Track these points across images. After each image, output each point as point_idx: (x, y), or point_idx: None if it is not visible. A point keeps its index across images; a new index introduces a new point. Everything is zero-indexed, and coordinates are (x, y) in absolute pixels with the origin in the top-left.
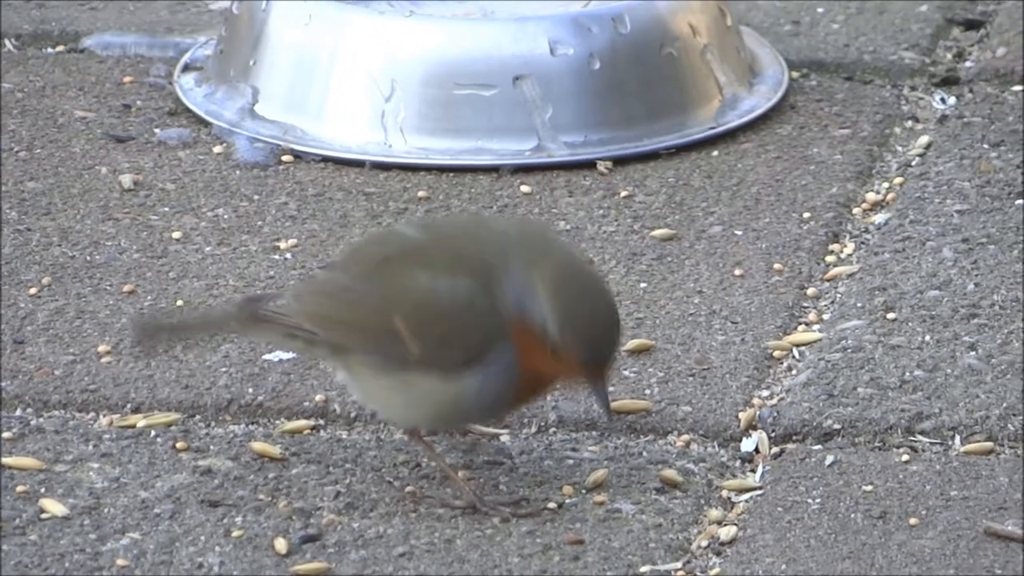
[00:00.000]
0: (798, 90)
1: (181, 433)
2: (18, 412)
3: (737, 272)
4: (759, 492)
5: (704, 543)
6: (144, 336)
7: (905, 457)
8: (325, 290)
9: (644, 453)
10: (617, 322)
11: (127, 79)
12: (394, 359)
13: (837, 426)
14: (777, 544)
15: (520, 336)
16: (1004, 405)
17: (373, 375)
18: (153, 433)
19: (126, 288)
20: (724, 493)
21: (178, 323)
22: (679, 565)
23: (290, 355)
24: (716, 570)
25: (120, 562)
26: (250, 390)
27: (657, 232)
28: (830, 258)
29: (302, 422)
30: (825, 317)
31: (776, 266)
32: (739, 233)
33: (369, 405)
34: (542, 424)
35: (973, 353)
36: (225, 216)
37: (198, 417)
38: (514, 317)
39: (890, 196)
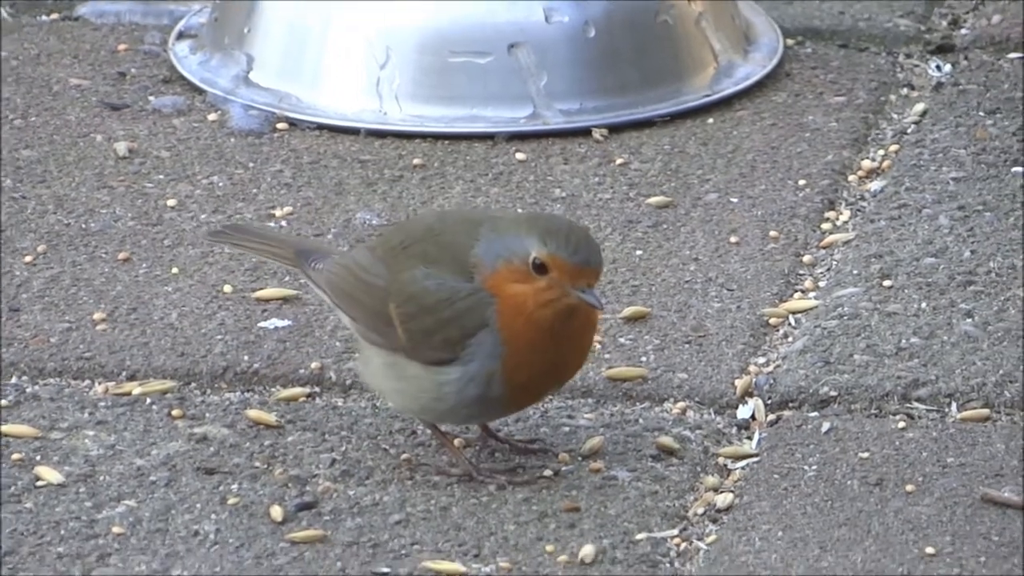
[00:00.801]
0: (793, 57)
1: (177, 401)
2: (13, 380)
3: (733, 239)
4: (755, 459)
5: (700, 510)
6: (218, 234)
7: (901, 424)
8: (348, 264)
9: (640, 420)
10: (590, 236)
11: (122, 47)
12: (390, 342)
13: (833, 393)
14: (773, 511)
15: (502, 283)
16: (1000, 372)
17: (375, 354)
18: (149, 401)
19: (121, 256)
20: (720, 460)
21: (251, 232)
22: (675, 532)
23: (286, 322)
24: (712, 537)
25: (116, 529)
26: (246, 357)
27: (653, 199)
28: (826, 225)
29: (298, 389)
30: (821, 284)
31: (772, 233)
32: (735, 200)
33: (371, 387)
34: None
35: (969, 320)
36: (220, 184)
37: (194, 385)
38: (491, 271)
39: (886, 163)
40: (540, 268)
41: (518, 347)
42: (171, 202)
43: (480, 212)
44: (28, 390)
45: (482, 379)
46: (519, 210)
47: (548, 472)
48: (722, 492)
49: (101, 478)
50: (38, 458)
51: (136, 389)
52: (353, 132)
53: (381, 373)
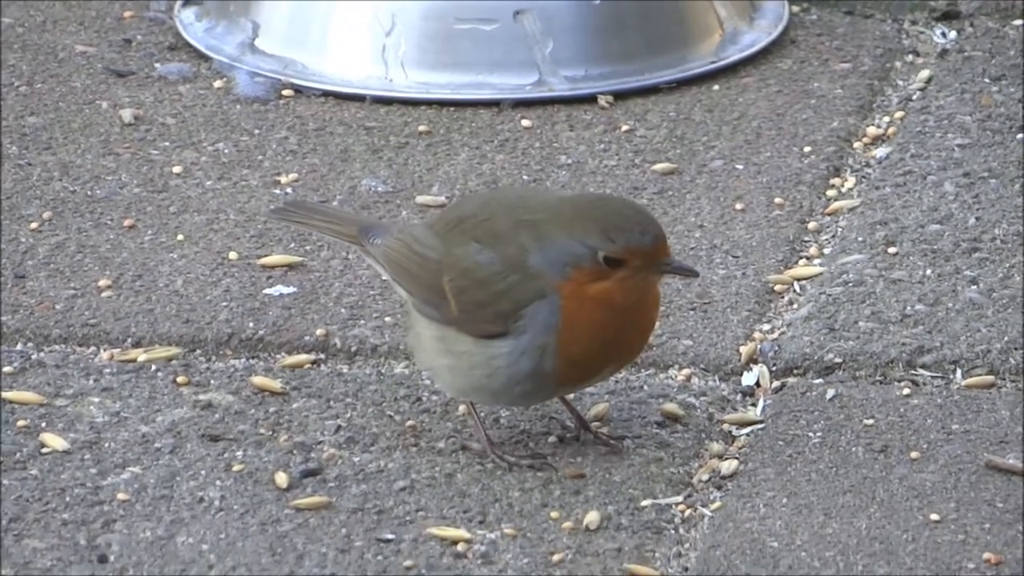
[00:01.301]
0: (799, 24)
1: (182, 367)
2: (19, 346)
3: (738, 206)
4: (760, 426)
5: (705, 477)
6: (280, 211)
7: (906, 391)
8: (406, 239)
9: (645, 387)
10: (642, 208)
11: (127, 14)
12: (444, 316)
13: (838, 360)
14: (778, 478)
15: (580, 287)
16: (1005, 339)
17: (427, 327)
18: (154, 367)
19: (127, 222)
20: (725, 427)
21: (313, 210)
22: (680, 499)
23: (291, 289)
24: (717, 504)
25: (121, 496)
26: (251, 324)
27: (658, 166)
28: (831, 192)
29: (303, 356)
30: (826, 251)
31: (777, 200)
32: (740, 167)
33: (423, 366)
34: None
35: (974, 287)
36: (225, 151)
37: (199, 351)
38: (562, 279)
39: (891, 130)
40: (614, 263)
41: (575, 320)
42: (176, 169)
43: (522, 200)
44: (33, 357)
45: (534, 352)
46: (531, 182)
47: (553, 438)
48: (727, 459)
49: (106, 445)
50: (43, 425)
51: (141, 356)
52: (359, 99)
53: (433, 348)
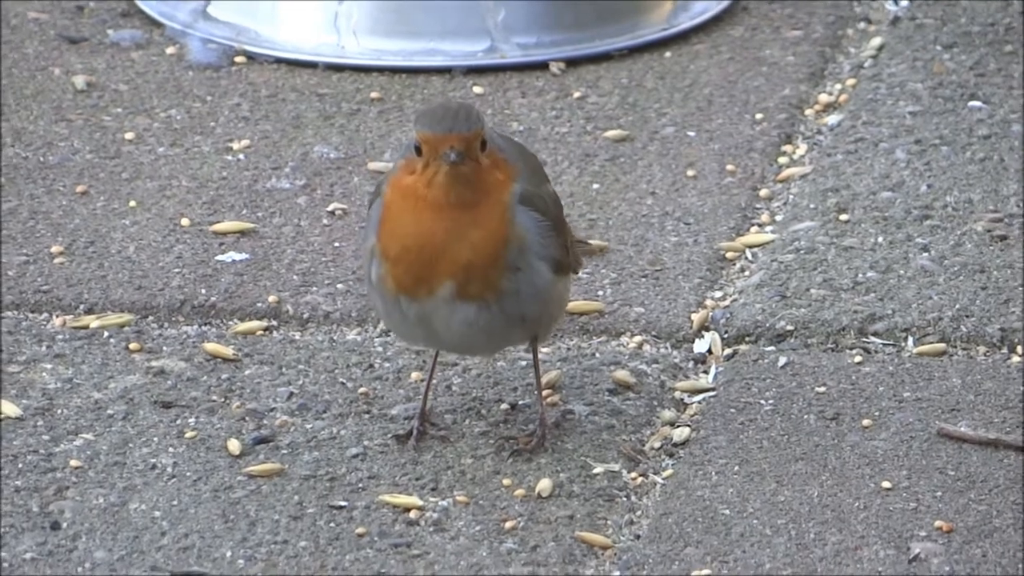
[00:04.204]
0: None
1: (134, 334)
2: None
3: (690, 173)
4: (712, 393)
5: (657, 444)
6: None
7: (858, 358)
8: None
9: (597, 355)
10: (467, 106)
11: None
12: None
13: (790, 327)
14: (730, 445)
15: (394, 181)
16: (957, 307)
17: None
18: (106, 334)
19: (79, 189)
20: (677, 394)
21: None
22: (632, 467)
23: (243, 256)
24: (669, 471)
25: (73, 463)
26: (203, 291)
27: (610, 133)
28: (783, 159)
29: (255, 323)
30: (778, 218)
31: (729, 167)
32: (692, 134)
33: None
34: None
35: (926, 254)
36: (178, 117)
37: (151, 318)
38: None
39: (843, 98)
40: (417, 150)
41: (390, 213)
42: (129, 135)
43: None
44: None
45: (369, 255)
46: None
47: (505, 405)
48: (679, 426)
49: (59, 411)
50: None
51: (94, 322)
52: (311, 66)
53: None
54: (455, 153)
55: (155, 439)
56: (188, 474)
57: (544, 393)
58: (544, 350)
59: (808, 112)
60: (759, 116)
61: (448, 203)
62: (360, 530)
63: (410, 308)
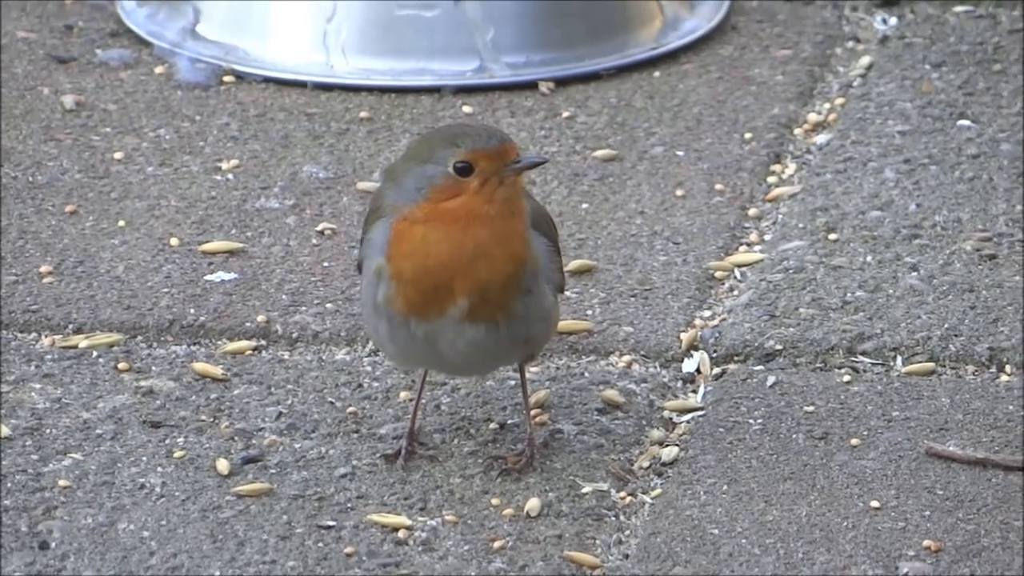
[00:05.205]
0: (739, 11)
1: (123, 354)
2: None
3: (679, 193)
4: (701, 413)
5: (646, 464)
6: None
7: (847, 378)
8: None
9: (586, 374)
10: (489, 125)
11: (69, 0)
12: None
13: (779, 347)
14: (719, 465)
15: (438, 204)
16: (946, 326)
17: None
18: (95, 354)
19: (68, 208)
20: (666, 414)
21: None
22: (620, 486)
23: (232, 275)
24: (658, 491)
25: (62, 482)
26: (192, 311)
27: (599, 153)
28: (772, 179)
29: (244, 343)
30: (767, 238)
31: (718, 187)
32: (681, 154)
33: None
34: None
35: (915, 274)
36: (167, 136)
37: (140, 338)
38: (421, 202)
39: (832, 117)
40: (465, 170)
41: (408, 236)
42: (118, 155)
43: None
44: None
45: (373, 277)
46: None
47: (494, 425)
48: (667, 446)
49: (47, 431)
50: None
51: (83, 342)
52: (300, 85)
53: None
54: (534, 155)
55: (144, 459)
56: (177, 494)
57: (532, 412)
58: (532, 369)
59: (797, 131)
60: (748, 135)
61: (500, 216)
62: (348, 550)
63: (418, 328)
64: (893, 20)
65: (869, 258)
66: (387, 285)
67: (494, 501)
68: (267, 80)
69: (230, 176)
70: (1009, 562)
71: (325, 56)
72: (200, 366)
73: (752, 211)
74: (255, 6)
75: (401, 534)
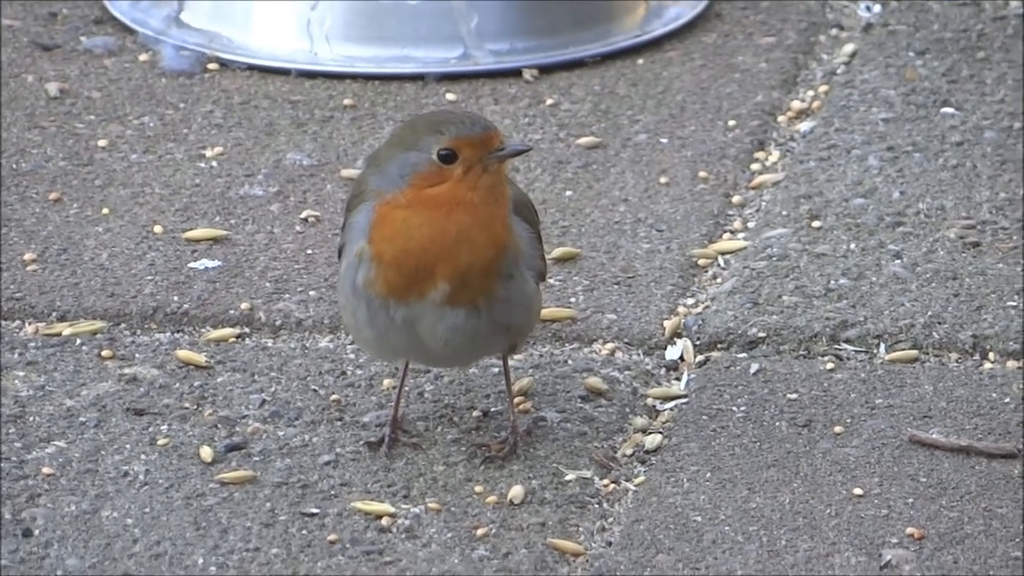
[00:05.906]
0: None
1: (107, 341)
2: None
3: (662, 180)
4: (684, 400)
5: (629, 451)
6: None
7: (830, 365)
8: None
9: (569, 361)
10: (473, 112)
11: None
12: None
13: (762, 334)
14: (702, 452)
15: (420, 191)
16: (929, 313)
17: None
18: (79, 341)
19: (52, 196)
20: (649, 401)
21: None
22: (604, 473)
23: (215, 263)
24: (641, 478)
25: (45, 470)
26: (176, 298)
27: (583, 140)
28: (755, 166)
29: (227, 330)
30: (750, 225)
31: (701, 174)
32: (664, 141)
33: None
34: None
35: (898, 261)
36: (151, 124)
37: (124, 325)
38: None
39: (815, 104)
40: (449, 158)
41: (391, 219)
42: (102, 142)
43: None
44: None
45: (354, 259)
46: None
47: (477, 412)
48: (651, 433)
49: (31, 419)
50: None
51: (66, 330)
52: (284, 73)
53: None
54: (517, 143)
55: (127, 446)
56: (160, 481)
57: (516, 400)
58: (515, 357)
59: (781, 119)
60: (732, 123)
61: (483, 202)
62: (332, 537)
63: (397, 312)
64: (877, 7)
65: (852, 246)
66: (368, 267)
67: (477, 489)
68: (251, 68)
69: (214, 163)
70: (992, 549)
71: (309, 43)
72: (184, 353)
73: (736, 198)
74: None
75: (384, 521)
